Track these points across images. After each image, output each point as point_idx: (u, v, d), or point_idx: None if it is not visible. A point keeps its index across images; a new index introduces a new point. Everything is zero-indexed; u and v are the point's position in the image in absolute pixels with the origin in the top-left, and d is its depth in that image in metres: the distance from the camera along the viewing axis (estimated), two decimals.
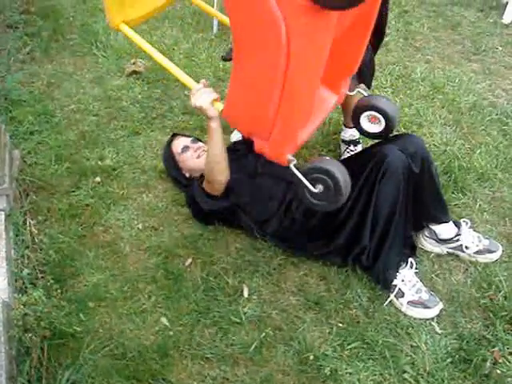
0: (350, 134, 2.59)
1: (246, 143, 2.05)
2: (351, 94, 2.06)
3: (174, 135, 2.52)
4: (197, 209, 2.26)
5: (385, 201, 1.99)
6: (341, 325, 1.96)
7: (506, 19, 3.83)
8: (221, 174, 2.04)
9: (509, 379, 1.80)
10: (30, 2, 3.88)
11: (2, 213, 2.16)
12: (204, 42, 3.54)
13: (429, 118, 2.92)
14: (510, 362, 1.84)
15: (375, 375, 1.82)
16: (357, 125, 2.10)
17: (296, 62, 1.45)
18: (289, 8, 1.36)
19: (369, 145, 2.46)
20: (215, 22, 3.60)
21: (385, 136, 2.07)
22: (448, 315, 2.00)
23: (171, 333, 1.93)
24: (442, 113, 2.97)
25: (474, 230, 2.22)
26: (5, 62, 3.25)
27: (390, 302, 2.03)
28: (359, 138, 2.61)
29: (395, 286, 2.02)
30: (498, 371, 1.82)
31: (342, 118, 2.66)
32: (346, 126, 2.60)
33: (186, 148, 2.38)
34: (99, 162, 2.60)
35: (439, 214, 2.17)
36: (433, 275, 2.13)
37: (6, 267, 1.98)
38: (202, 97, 1.83)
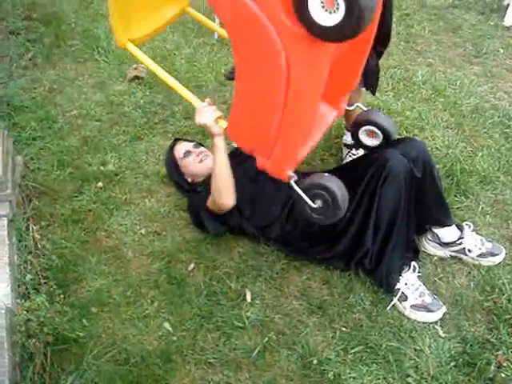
0: None
1: None
2: (350, 108, 2.12)
3: (176, 140, 2.52)
4: (197, 217, 2.26)
5: (387, 205, 1.99)
6: (344, 329, 1.96)
7: (506, 22, 3.83)
8: (229, 197, 2.02)
9: None
10: (32, 8, 3.90)
11: (5, 218, 2.17)
12: (205, 46, 3.54)
13: (431, 121, 2.92)
14: None
15: (379, 379, 1.82)
16: (356, 139, 2.18)
17: (296, 86, 1.52)
18: (288, 37, 1.43)
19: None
20: (217, 23, 3.60)
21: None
22: (451, 318, 2.00)
23: (174, 338, 1.93)
24: (444, 116, 2.97)
25: (477, 233, 2.22)
26: (7, 68, 3.26)
27: (393, 305, 2.02)
28: None
29: (398, 289, 2.02)
30: (503, 375, 1.81)
31: (344, 122, 2.66)
32: (348, 130, 2.60)
33: (188, 153, 2.38)
34: (101, 168, 2.61)
35: (442, 217, 2.17)
36: (436, 279, 2.13)
37: (9, 273, 1.99)
38: (206, 115, 1.88)
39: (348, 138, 2.60)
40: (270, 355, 1.89)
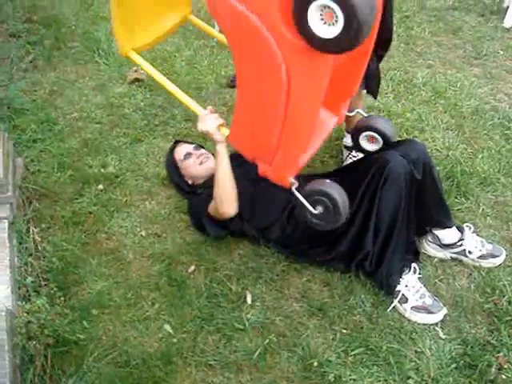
0: None
1: None
2: (351, 114, 2.14)
3: (177, 142, 2.52)
4: (198, 221, 2.26)
5: (387, 207, 1.99)
6: (344, 331, 1.96)
7: (506, 23, 3.83)
8: (230, 206, 2.02)
9: None
10: (33, 10, 3.91)
11: (6, 221, 2.17)
12: (205, 48, 3.55)
13: (431, 122, 2.92)
14: None
15: (379, 381, 1.82)
16: (356, 144, 2.20)
17: (296, 97, 1.55)
18: (288, 49, 1.45)
19: None
20: (217, 29, 3.61)
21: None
22: (452, 320, 1.99)
23: (175, 340, 1.93)
24: (444, 117, 2.97)
25: (478, 235, 2.22)
26: (7, 71, 3.27)
27: (394, 307, 2.02)
28: None
29: (399, 291, 2.02)
30: (504, 376, 1.81)
31: (344, 124, 2.66)
32: (349, 132, 2.60)
33: (188, 155, 2.38)
34: (102, 170, 2.61)
35: (442, 218, 2.17)
36: (436, 280, 2.13)
37: (10, 275, 1.99)
38: (209, 122, 1.91)
39: (348, 140, 2.60)
40: (270, 357, 1.89)
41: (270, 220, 2.18)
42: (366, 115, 2.21)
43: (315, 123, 1.71)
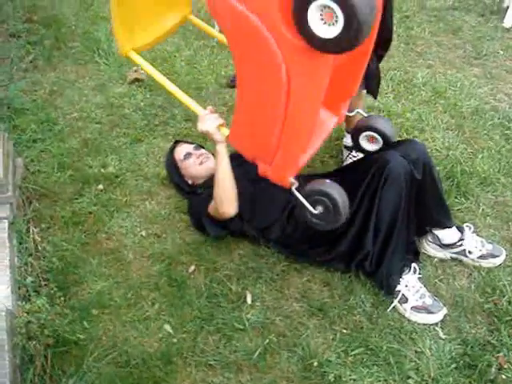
0: None
1: None
2: (351, 114, 2.15)
3: (177, 142, 2.52)
4: (198, 221, 2.26)
5: (387, 207, 1.99)
6: (344, 331, 1.96)
7: (506, 23, 3.83)
8: (230, 206, 2.02)
9: None
10: (33, 11, 3.91)
11: (6, 221, 2.17)
12: (205, 48, 3.55)
13: (431, 122, 2.92)
14: None
15: (379, 381, 1.82)
16: (356, 144, 2.20)
17: (296, 97, 1.55)
18: (288, 49, 1.45)
19: None
20: (216, 29, 3.61)
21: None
22: (452, 320, 1.99)
23: (175, 340, 1.93)
24: (444, 117, 2.97)
25: (478, 235, 2.22)
26: (8, 71, 3.27)
27: (394, 307, 2.02)
28: None
29: (399, 291, 2.02)
30: (504, 376, 1.81)
31: (344, 124, 2.66)
32: (349, 132, 2.61)
33: (188, 155, 2.38)
34: (102, 170, 2.61)
35: (442, 218, 2.17)
36: (436, 280, 2.13)
37: (10, 275, 1.99)
38: (209, 122, 1.91)
39: (348, 140, 2.60)
40: (270, 357, 1.89)
41: (269, 220, 2.18)
42: (366, 115, 2.21)
43: (315, 123, 1.71)
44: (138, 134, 2.84)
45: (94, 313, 2.01)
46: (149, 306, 2.05)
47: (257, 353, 1.88)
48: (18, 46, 3.51)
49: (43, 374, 1.80)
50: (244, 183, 2.10)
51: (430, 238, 2.20)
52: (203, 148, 2.45)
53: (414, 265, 2.07)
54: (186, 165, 2.38)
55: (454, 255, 2.19)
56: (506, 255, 2.18)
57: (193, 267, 2.18)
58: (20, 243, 2.20)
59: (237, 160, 2.04)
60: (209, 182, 2.29)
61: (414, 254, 2.16)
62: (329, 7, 1.33)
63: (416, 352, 1.89)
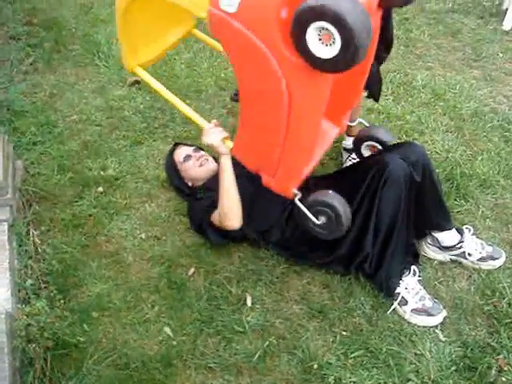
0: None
1: None
2: (352, 124, 2.18)
3: (176, 144, 2.53)
4: (199, 227, 2.26)
5: (386, 209, 2.00)
6: (344, 333, 1.96)
7: (505, 26, 3.84)
8: (235, 219, 2.01)
9: None
10: (33, 13, 3.91)
11: (5, 223, 2.17)
12: (205, 51, 3.55)
13: (430, 125, 2.92)
14: None
15: (379, 383, 1.81)
16: (358, 153, 2.28)
17: (297, 112, 1.60)
18: (288, 67, 1.51)
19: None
20: None
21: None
22: (452, 323, 1.99)
23: (174, 342, 1.93)
24: (444, 120, 2.97)
25: (477, 237, 2.22)
26: (8, 73, 3.27)
27: (394, 309, 2.02)
28: None
29: (398, 293, 2.02)
30: (504, 379, 1.81)
31: None
32: (348, 135, 2.61)
33: (188, 157, 2.39)
34: (102, 172, 2.61)
35: (442, 221, 2.17)
36: (436, 282, 2.13)
37: (9, 278, 1.99)
38: (213, 135, 1.94)
39: (348, 143, 2.60)
40: (270, 360, 1.89)
41: (269, 220, 2.18)
42: (367, 125, 2.28)
43: (317, 135, 1.76)
44: (137, 137, 2.84)
45: (93, 315, 2.01)
46: (148, 308, 2.05)
47: (257, 355, 1.88)
48: (17, 49, 3.51)
49: (43, 376, 1.80)
50: (244, 183, 2.10)
51: (429, 241, 2.20)
52: (203, 150, 2.46)
53: (413, 267, 2.07)
54: (186, 167, 2.38)
55: (453, 257, 2.19)
56: (506, 257, 2.18)
57: (192, 270, 2.18)
58: (20, 246, 2.20)
59: (238, 163, 2.04)
60: (208, 184, 2.30)
61: (414, 257, 2.16)
62: (327, 29, 1.36)
63: (416, 354, 1.89)
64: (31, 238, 2.26)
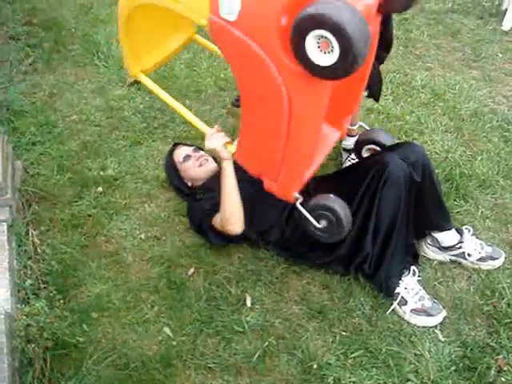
0: (352, 142, 2.60)
1: None
2: (353, 128, 2.21)
3: (176, 144, 2.53)
4: (199, 227, 2.26)
5: (386, 209, 2.00)
6: (344, 333, 1.96)
7: (505, 26, 3.84)
8: (237, 224, 2.02)
9: None
10: (33, 13, 3.91)
11: (5, 223, 2.17)
12: (205, 51, 3.54)
13: (430, 125, 2.92)
14: None
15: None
16: (359, 156, 2.31)
17: (298, 118, 1.61)
18: (288, 73, 1.52)
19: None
20: None
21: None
22: (451, 323, 1.99)
23: (174, 343, 1.93)
24: (443, 120, 2.97)
25: (477, 237, 2.22)
26: (7, 73, 3.27)
27: (393, 310, 2.02)
28: None
29: (398, 293, 2.02)
30: (503, 379, 1.81)
31: None
32: (348, 135, 2.61)
33: (187, 157, 2.38)
34: (101, 172, 2.61)
35: (441, 221, 2.17)
36: (436, 283, 2.13)
37: (9, 278, 1.99)
38: (215, 140, 1.96)
39: (347, 143, 2.60)
40: (270, 360, 1.89)
41: (269, 221, 2.18)
42: (368, 128, 2.30)
43: (318, 140, 1.77)
44: (137, 137, 2.84)
45: (93, 315, 2.01)
46: (148, 308, 2.05)
47: (256, 355, 1.88)
48: (17, 49, 3.51)
49: (42, 377, 1.80)
50: (244, 184, 2.10)
51: (429, 241, 2.20)
52: (202, 150, 2.45)
53: (413, 267, 2.07)
54: (186, 167, 2.38)
55: (453, 258, 2.19)
56: (506, 257, 2.18)
57: (192, 270, 2.18)
58: (19, 246, 2.20)
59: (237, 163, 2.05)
60: (208, 184, 2.30)
61: (414, 257, 2.16)
62: (325, 37, 1.37)
63: (415, 354, 1.89)
64: (30, 239, 2.26)
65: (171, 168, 2.45)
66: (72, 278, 2.14)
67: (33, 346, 1.77)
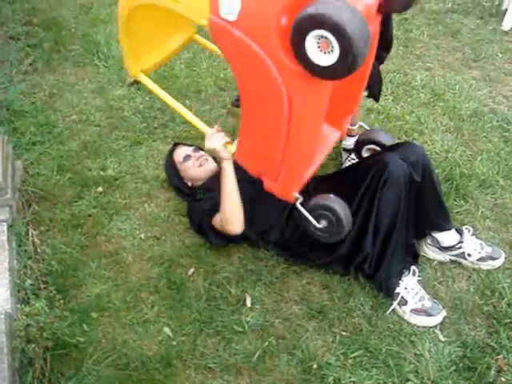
0: (352, 142, 2.60)
1: None
2: (353, 128, 2.21)
3: (176, 144, 2.53)
4: (199, 227, 2.26)
5: (386, 209, 2.00)
6: (344, 333, 1.96)
7: (505, 26, 3.84)
8: (237, 224, 2.02)
9: None
10: (33, 13, 3.91)
11: (5, 223, 2.17)
12: (205, 51, 3.54)
13: (430, 125, 2.92)
14: None
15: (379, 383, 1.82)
16: (359, 156, 2.32)
17: (298, 118, 1.62)
18: (288, 73, 1.53)
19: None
20: None
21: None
22: (451, 323, 2.00)
23: (174, 343, 1.93)
24: (443, 120, 2.97)
25: (477, 237, 2.22)
26: (7, 73, 3.27)
27: (393, 310, 2.02)
28: None
29: (398, 293, 2.02)
30: (503, 379, 1.81)
31: None
32: (348, 135, 2.61)
33: (187, 157, 2.39)
34: (101, 172, 2.61)
35: (441, 221, 2.17)
36: (435, 283, 2.13)
37: (9, 278, 1.99)
38: (215, 140, 1.96)
39: (347, 143, 2.60)
40: (270, 360, 1.89)
41: (269, 221, 2.18)
42: (368, 128, 2.31)
43: (317, 140, 1.77)
44: (137, 137, 2.84)
45: (93, 315, 2.01)
46: (148, 308, 2.05)
47: (256, 355, 1.88)
48: (17, 49, 3.51)
49: (42, 377, 1.80)
50: (244, 184, 2.11)
51: (429, 241, 2.20)
52: (202, 150, 2.45)
53: (413, 267, 2.07)
54: (186, 167, 2.38)
55: (453, 258, 2.19)
56: (505, 257, 2.18)
57: (192, 270, 2.18)
58: (19, 246, 2.20)
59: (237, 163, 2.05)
60: (208, 184, 2.30)
61: (414, 257, 2.16)
62: (325, 37, 1.37)
63: (415, 354, 1.89)
64: (30, 239, 2.26)
65: (171, 168, 2.45)
66: (72, 278, 2.14)
67: (33, 346, 1.77)
